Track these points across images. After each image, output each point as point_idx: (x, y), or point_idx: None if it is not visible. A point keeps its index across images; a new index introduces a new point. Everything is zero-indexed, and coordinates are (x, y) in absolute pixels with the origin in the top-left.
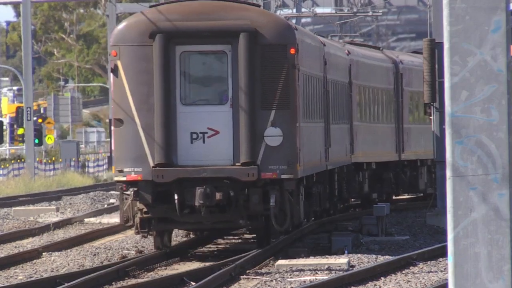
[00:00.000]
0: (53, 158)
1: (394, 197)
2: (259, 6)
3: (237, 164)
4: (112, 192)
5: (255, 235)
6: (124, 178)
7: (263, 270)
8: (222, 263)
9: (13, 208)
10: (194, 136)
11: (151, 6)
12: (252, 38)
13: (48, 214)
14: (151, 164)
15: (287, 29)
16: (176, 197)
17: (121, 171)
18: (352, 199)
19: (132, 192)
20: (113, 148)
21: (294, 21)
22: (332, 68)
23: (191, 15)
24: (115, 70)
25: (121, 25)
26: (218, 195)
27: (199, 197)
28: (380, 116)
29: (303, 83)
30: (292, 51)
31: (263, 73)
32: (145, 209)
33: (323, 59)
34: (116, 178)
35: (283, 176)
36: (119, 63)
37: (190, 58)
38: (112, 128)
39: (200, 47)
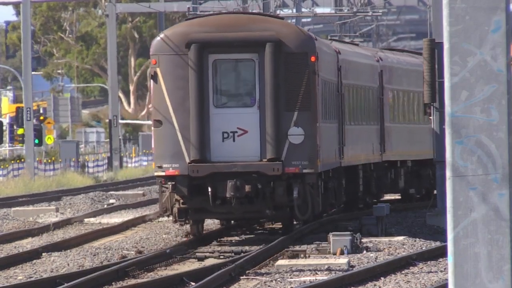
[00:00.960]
0: (53, 158)
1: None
2: (282, 18)
3: (263, 160)
4: (112, 192)
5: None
6: (163, 173)
7: (263, 270)
8: (222, 263)
9: (13, 209)
10: (225, 135)
11: (187, 19)
12: (277, 48)
13: (47, 214)
14: (187, 160)
15: (308, 39)
16: (209, 189)
17: (160, 167)
18: (386, 194)
19: (170, 186)
20: (153, 146)
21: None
22: (352, 73)
23: (222, 27)
24: (154, 77)
25: (159, 37)
26: (247, 188)
27: (230, 190)
28: (416, 117)
29: (322, 87)
30: (313, 59)
31: (287, 79)
32: (182, 201)
33: (337, 66)
34: (156, 173)
35: (304, 171)
36: (158, 71)
37: (222, 65)
38: (152, 128)
39: (231, 55)
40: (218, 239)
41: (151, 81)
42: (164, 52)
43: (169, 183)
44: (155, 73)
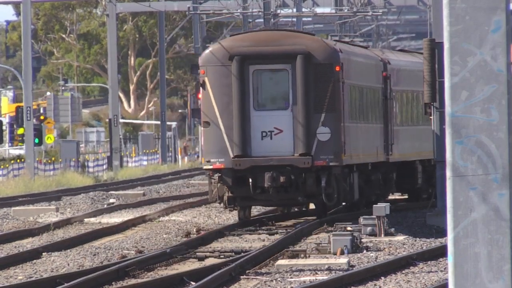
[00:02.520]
0: (53, 158)
1: None
2: (313, 34)
3: (296, 154)
4: (112, 192)
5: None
6: (210, 166)
7: (263, 270)
8: (222, 263)
9: (13, 208)
10: (264, 134)
11: (232, 35)
12: (307, 59)
13: (48, 214)
14: (231, 155)
15: (333, 51)
16: (250, 180)
17: (208, 161)
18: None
19: (217, 177)
20: (202, 143)
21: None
22: (402, 80)
23: (260, 42)
24: (203, 85)
25: (207, 50)
26: (282, 179)
27: (267, 180)
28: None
29: (350, 92)
30: (337, 68)
31: (315, 85)
32: (230, 190)
33: (383, 74)
34: (204, 167)
35: (331, 164)
36: (206, 79)
37: (260, 74)
38: (201, 128)
39: (268, 66)
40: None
41: (200, 88)
42: (211, 63)
43: (216, 175)
44: (204, 81)
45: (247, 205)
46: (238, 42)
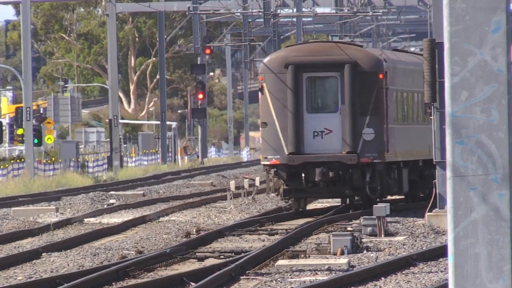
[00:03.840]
0: (53, 158)
1: None
2: (361, 46)
3: (343, 152)
4: (112, 192)
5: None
6: (268, 162)
7: (263, 270)
8: (222, 263)
9: (13, 208)
10: (315, 133)
11: (287, 46)
12: (354, 68)
13: (47, 214)
14: (286, 152)
15: (378, 61)
16: (303, 175)
17: (266, 157)
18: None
19: (273, 172)
20: (260, 142)
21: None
22: None
23: (312, 52)
24: (262, 90)
25: (265, 60)
26: (331, 174)
27: (318, 175)
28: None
29: (396, 97)
30: (381, 76)
31: (361, 91)
32: (285, 183)
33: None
34: (262, 162)
35: (375, 161)
36: (264, 85)
37: (312, 81)
38: (260, 129)
39: (319, 73)
40: (213, 241)
41: (259, 93)
42: (269, 71)
43: (272, 170)
44: (262, 87)
45: (300, 197)
46: (292, 52)
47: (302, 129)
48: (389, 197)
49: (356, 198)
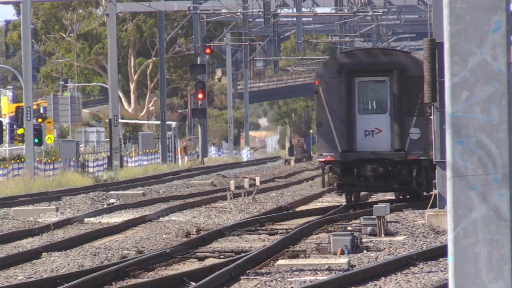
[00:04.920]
0: (53, 158)
1: None
2: (409, 53)
3: (392, 150)
4: (112, 192)
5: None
6: (323, 159)
7: (263, 270)
8: (222, 263)
9: (13, 208)
10: (367, 133)
11: (342, 53)
12: (402, 72)
13: (47, 214)
14: (340, 150)
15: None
16: (355, 170)
17: (321, 154)
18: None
19: (328, 168)
20: (316, 140)
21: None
22: None
23: (364, 58)
24: (317, 93)
25: (321, 65)
26: (381, 169)
27: (369, 171)
28: None
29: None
30: None
31: (409, 94)
32: (339, 178)
33: None
34: (318, 159)
35: (421, 158)
36: (320, 89)
37: (364, 85)
38: (316, 128)
39: (370, 78)
40: (214, 241)
41: (315, 95)
42: (324, 76)
43: (327, 166)
44: (318, 90)
45: (353, 191)
46: (345, 59)
47: (355, 128)
48: (389, 197)
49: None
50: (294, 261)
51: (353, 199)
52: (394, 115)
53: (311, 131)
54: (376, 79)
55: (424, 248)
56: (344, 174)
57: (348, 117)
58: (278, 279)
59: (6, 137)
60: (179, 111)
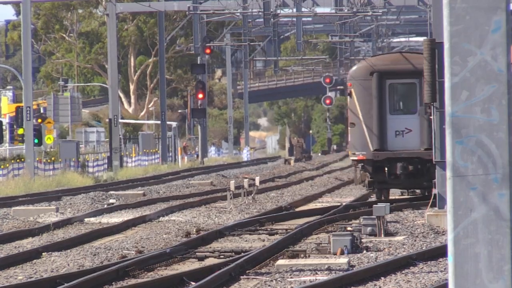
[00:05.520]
0: (53, 158)
1: None
2: None
3: (422, 149)
4: (112, 192)
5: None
6: (355, 158)
7: (263, 270)
8: (222, 263)
9: (13, 208)
10: (397, 133)
11: (373, 56)
12: None
13: (48, 214)
14: (371, 149)
15: None
16: (386, 168)
17: (354, 153)
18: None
19: (360, 166)
20: (349, 140)
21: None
22: None
23: (394, 61)
24: (350, 94)
25: (353, 68)
26: (410, 168)
27: (399, 169)
28: None
29: None
30: None
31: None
32: (370, 176)
33: None
34: (351, 158)
35: None
36: (352, 90)
37: (394, 87)
38: (348, 128)
39: (400, 80)
40: (214, 241)
41: (348, 97)
42: (356, 78)
43: (359, 164)
44: (351, 92)
45: (383, 188)
46: (377, 62)
47: (385, 128)
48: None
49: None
50: (294, 261)
51: (382, 196)
52: (424, 116)
53: (310, 131)
54: (406, 81)
55: (424, 248)
56: (376, 172)
57: (380, 117)
58: (278, 279)
59: (6, 137)
60: (179, 111)
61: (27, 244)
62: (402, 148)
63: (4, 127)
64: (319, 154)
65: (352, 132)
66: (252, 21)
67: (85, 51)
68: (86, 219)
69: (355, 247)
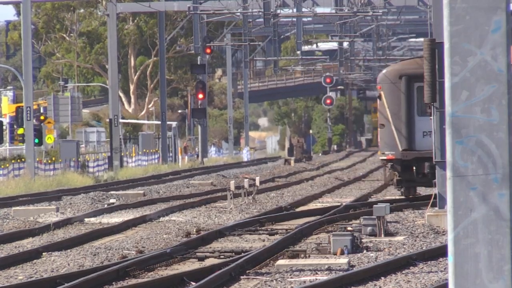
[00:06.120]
0: (53, 158)
1: None
2: None
3: None
4: (112, 192)
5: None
6: (385, 157)
7: (263, 270)
8: (222, 263)
9: (13, 208)
10: (424, 133)
11: (401, 60)
12: None
13: (48, 214)
14: (400, 149)
15: None
16: (414, 168)
17: (383, 153)
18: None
19: (389, 165)
20: (378, 140)
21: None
22: None
23: (422, 65)
24: (379, 97)
25: (383, 72)
26: None
27: (427, 168)
28: None
29: None
30: None
31: None
32: (399, 175)
33: None
34: (380, 157)
35: None
36: (382, 93)
37: (422, 89)
38: (378, 129)
39: None
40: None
41: (377, 99)
42: (386, 81)
43: (389, 163)
44: (380, 94)
45: (411, 186)
46: (405, 66)
47: (413, 129)
48: (388, 197)
49: None
50: (294, 261)
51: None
52: None
53: (311, 131)
54: None
55: (424, 248)
56: (404, 171)
57: (408, 119)
58: (278, 279)
59: (7, 137)
60: (179, 111)
61: (27, 244)
62: (429, 148)
63: (4, 127)
64: (319, 154)
65: (381, 133)
66: (252, 21)
67: (85, 51)
68: (86, 219)
69: (355, 247)
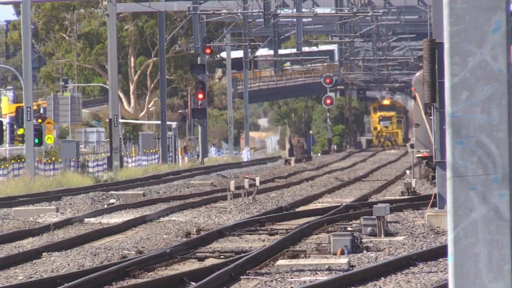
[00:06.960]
0: (53, 158)
1: None
2: None
3: None
4: (112, 192)
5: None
6: (420, 155)
7: (263, 270)
8: (222, 263)
9: (13, 208)
10: None
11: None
12: None
13: (48, 214)
14: (434, 147)
15: None
16: None
17: (419, 151)
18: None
19: (424, 162)
20: (414, 138)
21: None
22: None
23: None
24: (414, 98)
25: (417, 74)
26: None
27: None
28: None
29: None
30: None
31: None
32: (433, 171)
33: None
34: (416, 155)
35: None
36: (416, 94)
37: None
38: (413, 128)
39: None
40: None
41: (413, 100)
42: (420, 83)
43: (424, 161)
44: (415, 96)
45: None
46: None
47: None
48: (388, 197)
49: None
50: (294, 261)
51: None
52: None
53: (311, 131)
54: None
55: (424, 248)
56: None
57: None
58: (278, 279)
59: (6, 137)
60: (179, 111)
61: (27, 244)
62: None
63: (4, 127)
64: (319, 154)
65: (417, 132)
66: (252, 21)
67: (85, 51)
68: (86, 219)
69: (355, 247)
